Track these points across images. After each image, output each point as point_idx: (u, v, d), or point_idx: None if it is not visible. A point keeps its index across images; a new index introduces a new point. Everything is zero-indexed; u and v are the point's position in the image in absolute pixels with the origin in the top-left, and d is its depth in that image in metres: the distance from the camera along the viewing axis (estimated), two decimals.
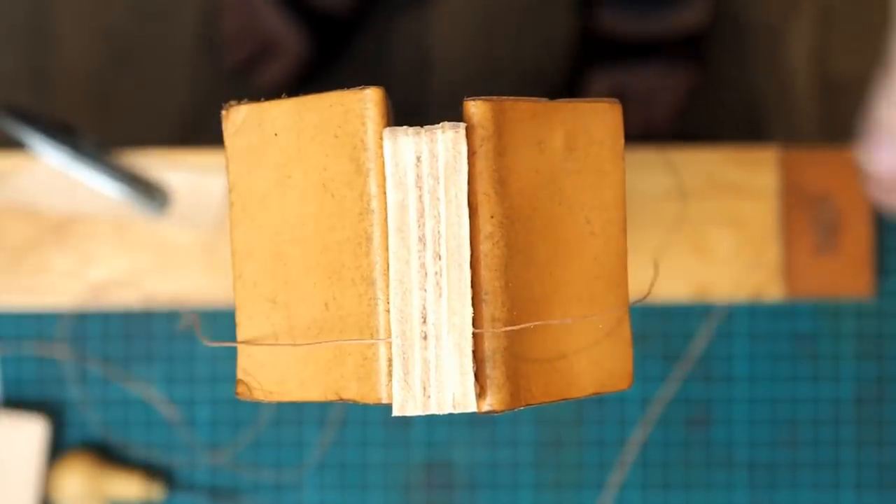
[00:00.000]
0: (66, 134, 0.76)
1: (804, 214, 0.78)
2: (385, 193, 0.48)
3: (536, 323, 0.48)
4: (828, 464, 0.79)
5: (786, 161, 0.78)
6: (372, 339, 0.48)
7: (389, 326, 0.47)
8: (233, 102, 0.52)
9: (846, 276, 0.78)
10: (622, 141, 0.51)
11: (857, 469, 0.79)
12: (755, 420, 0.79)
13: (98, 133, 0.80)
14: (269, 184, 0.51)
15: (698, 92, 1.24)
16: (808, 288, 0.78)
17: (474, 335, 0.47)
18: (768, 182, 0.78)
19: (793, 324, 0.79)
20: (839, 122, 1.28)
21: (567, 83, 1.23)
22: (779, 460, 0.79)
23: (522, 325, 0.48)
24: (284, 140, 0.50)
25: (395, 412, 0.47)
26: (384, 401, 0.48)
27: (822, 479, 0.79)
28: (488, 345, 0.47)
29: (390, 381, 0.47)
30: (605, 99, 0.52)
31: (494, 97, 0.48)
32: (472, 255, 0.47)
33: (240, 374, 0.52)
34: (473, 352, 0.47)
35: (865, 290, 0.78)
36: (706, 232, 0.78)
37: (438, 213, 0.47)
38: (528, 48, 1.28)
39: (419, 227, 0.47)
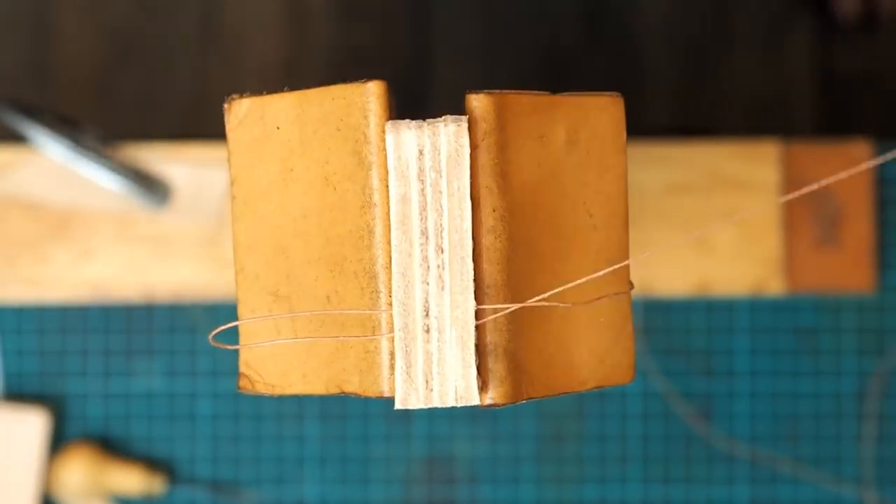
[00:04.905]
0: (67, 127, 0.76)
1: (805, 209, 0.78)
2: (387, 187, 0.47)
3: (535, 301, 0.48)
4: (829, 458, 0.79)
5: (787, 156, 0.78)
6: (374, 332, 0.48)
7: (391, 320, 0.47)
8: (235, 96, 0.52)
9: (847, 271, 0.78)
10: (624, 135, 0.51)
11: (857, 464, 0.79)
12: (756, 415, 0.79)
13: (99, 126, 0.80)
14: (271, 177, 0.51)
15: (700, 86, 1.24)
16: (809, 282, 0.78)
17: (476, 328, 0.47)
18: (770, 176, 0.78)
19: (794, 318, 0.79)
20: (840, 117, 1.28)
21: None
22: (780, 455, 0.79)
23: (520, 305, 0.48)
24: (286, 133, 0.50)
25: (398, 406, 0.47)
26: (386, 394, 0.48)
27: (823, 473, 0.79)
28: (490, 338, 0.47)
29: (392, 374, 0.47)
30: (608, 93, 0.52)
31: (496, 90, 0.48)
32: (474, 249, 0.47)
33: (242, 368, 0.52)
34: (476, 345, 0.47)
35: (866, 285, 0.78)
36: (707, 226, 0.78)
37: (441, 207, 0.47)
38: (533, 39, 1.28)
39: (421, 220, 0.47)
